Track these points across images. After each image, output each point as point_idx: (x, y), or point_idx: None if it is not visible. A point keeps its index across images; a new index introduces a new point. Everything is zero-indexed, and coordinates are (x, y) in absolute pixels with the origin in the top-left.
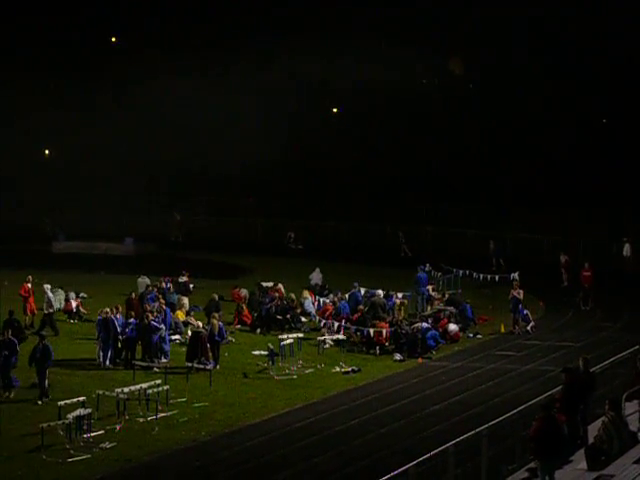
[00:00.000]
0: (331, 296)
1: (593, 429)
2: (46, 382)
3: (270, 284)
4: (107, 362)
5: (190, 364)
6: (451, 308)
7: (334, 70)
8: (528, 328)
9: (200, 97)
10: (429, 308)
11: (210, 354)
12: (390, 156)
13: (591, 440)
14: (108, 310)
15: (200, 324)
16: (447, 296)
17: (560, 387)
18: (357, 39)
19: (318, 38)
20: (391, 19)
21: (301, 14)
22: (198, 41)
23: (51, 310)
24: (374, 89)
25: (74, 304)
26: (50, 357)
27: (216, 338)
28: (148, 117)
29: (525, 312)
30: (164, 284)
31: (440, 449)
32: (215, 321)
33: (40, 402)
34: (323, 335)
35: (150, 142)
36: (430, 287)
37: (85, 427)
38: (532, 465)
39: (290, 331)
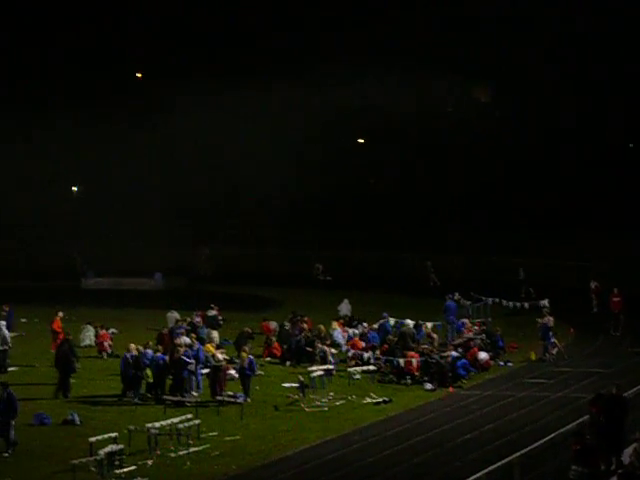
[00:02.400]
0: (360, 327)
1: (626, 455)
2: (12, 432)
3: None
4: (136, 399)
5: (220, 397)
6: (482, 336)
7: (358, 98)
8: (553, 352)
9: (227, 130)
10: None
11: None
12: (418, 186)
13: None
14: (133, 347)
15: (221, 357)
16: (482, 327)
17: (589, 414)
18: (380, 67)
19: (341, 66)
20: (414, 48)
21: (324, 41)
22: (227, 73)
23: (5, 347)
24: (400, 118)
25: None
26: (15, 407)
27: (246, 372)
28: (174, 151)
29: (552, 340)
30: (194, 318)
31: (473, 478)
32: (245, 354)
33: (7, 454)
34: (352, 366)
35: (176, 176)
36: (466, 320)
37: (117, 463)
38: None
39: (320, 363)
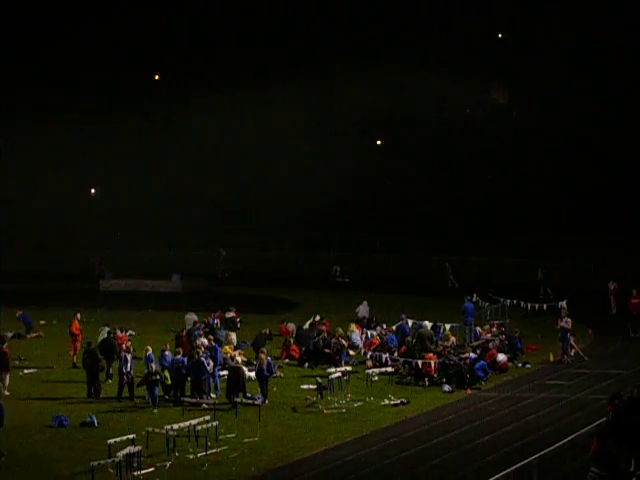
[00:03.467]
0: (378, 329)
1: None
2: None
3: (317, 318)
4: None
5: (238, 399)
6: (500, 337)
7: (376, 99)
8: (572, 353)
9: (245, 131)
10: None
11: (249, 388)
12: (435, 187)
13: None
14: (149, 348)
15: (239, 360)
16: (501, 329)
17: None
18: (398, 68)
19: (359, 67)
20: (431, 49)
21: (342, 42)
22: (244, 73)
23: None
24: (418, 119)
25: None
26: (2, 416)
27: (265, 373)
28: (194, 153)
29: (570, 341)
30: (212, 320)
31: None
32: (263, 356)
33: None
34: (370, 368)
35: (196, 177)
36: (478, 329)
37: (135, 465)
38: None
39: (338, 365)
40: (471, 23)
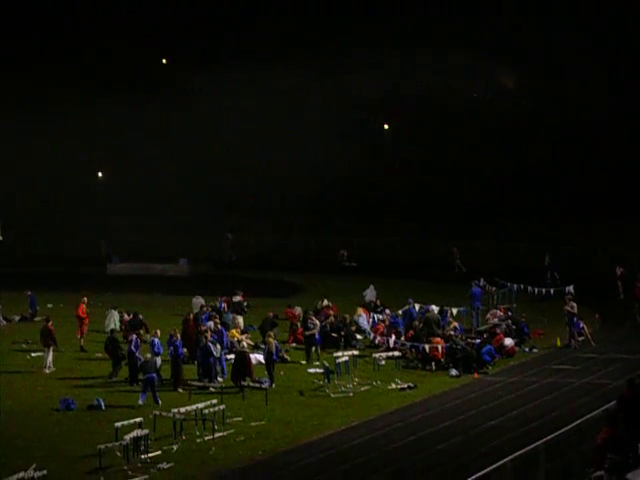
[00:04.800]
0: (387, 311)
1: None
2: None
3: (325, 303)
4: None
5: (245, 383)
6: (507, 322)
7: (384, 83)
8: (579, 338)
9: (253, 114)
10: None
11: (255, 372)
12: (443, 172)
13: None
14: (158, 332)
15: (245, 344)
16: (508, 313)
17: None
18: (407, 52)
19: (369, 52)
20: (440, 34)
21: (350, 26)
22: (252, 57)
23: None
24: (426, 103)
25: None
26: None
27: (273, 357)
28: (201, 137)
29: (581, 325)
30: (219, 304)
31: (498, 464)
32: (271, 340)
33: None
34: (378, 352)
35: (201, 161)
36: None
37: (142, 448)
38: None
39: (345, 349)
40: (481, 6)
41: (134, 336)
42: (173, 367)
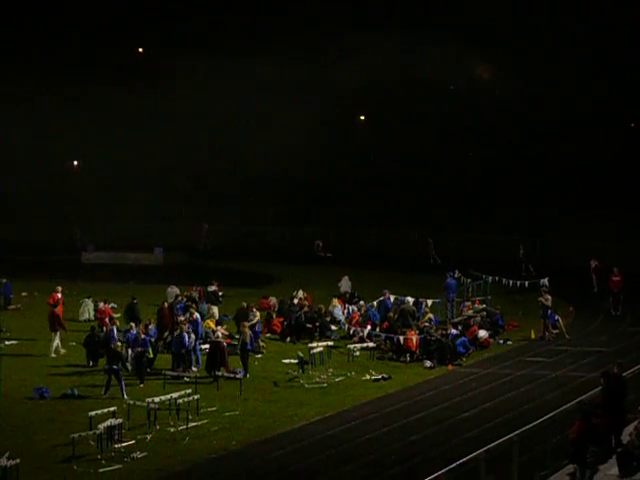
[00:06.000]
0: (362, 302)
1: (625, 435)
2: None
3: (300, 295)
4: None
5: (219, 373)
6: (482, 314)
7: (360, 75)
8: (554, 331)
9: (230, 104)
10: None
11: (229, 363)
12: (417, 163)
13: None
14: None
15: (220, 334)
16: (482, 305)
17: (598, 391)
18: (382, 43)
19: (345, 42)
20: (415, 24)
21: (324, 15)
22: (232, 45)
23: None
24: (401, 95)
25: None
26: None
27: (247, 347)
28: (176, 124)
29: (556, 317)
30: (194, 293)
31: (471, 456)
32: (247, 330)
33: None
34: (353, 343)
35: (177, 149)
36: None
37: (116, 437)
38: (572, 470)
39: (320, 339)
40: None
41: (113, 327)
42: (137, 363)
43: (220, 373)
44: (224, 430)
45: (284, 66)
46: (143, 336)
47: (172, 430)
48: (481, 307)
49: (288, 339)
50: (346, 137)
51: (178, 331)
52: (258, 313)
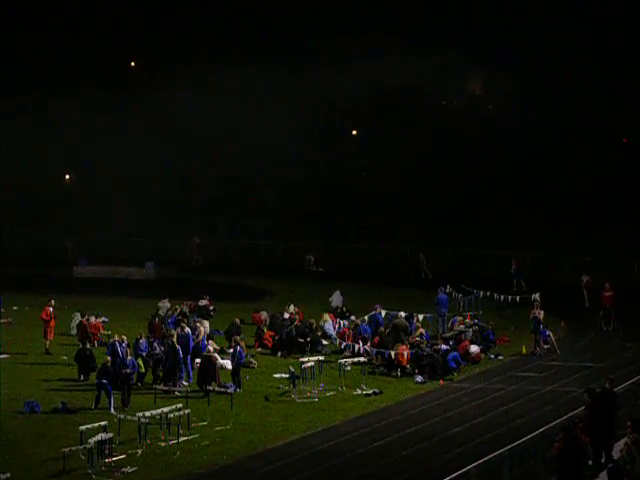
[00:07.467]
0: (353, 317)
1: (616, 450)
2: None
3: (292, 310)
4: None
5: (210, 387)
6: (473, 329)
7: (352, 89)
8: (545, 346)
9: (221, 117)
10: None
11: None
12: (410, 177)
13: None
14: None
15: (211, 349)
16: (474, 320)
17: (583, 408)
18: (375, 57)
19: (337, 57)
20: (408, 37)
21: (313, 28)
22: (223, 58)
23: None
24: (394, 110)
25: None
26: None
27: (240, 361)
28: (166, 138)
29: (547, 333)
30: (185, 307)
31: (462, 471)
32: (242, 344)
33: None
34: (344, 358)
35: (167, 164)
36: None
37: (106, 452)
38: None
39: (311, 354)
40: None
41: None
42: (123, 385)
43: (211, 387)
44: (215, 445)
45: (275, 81)
46: (130, 357)
47: (163, 445)
48: (472, 322)
49: (279, 353)
50: (339, 151)
51: (170, 344)
52: (206, 324)
